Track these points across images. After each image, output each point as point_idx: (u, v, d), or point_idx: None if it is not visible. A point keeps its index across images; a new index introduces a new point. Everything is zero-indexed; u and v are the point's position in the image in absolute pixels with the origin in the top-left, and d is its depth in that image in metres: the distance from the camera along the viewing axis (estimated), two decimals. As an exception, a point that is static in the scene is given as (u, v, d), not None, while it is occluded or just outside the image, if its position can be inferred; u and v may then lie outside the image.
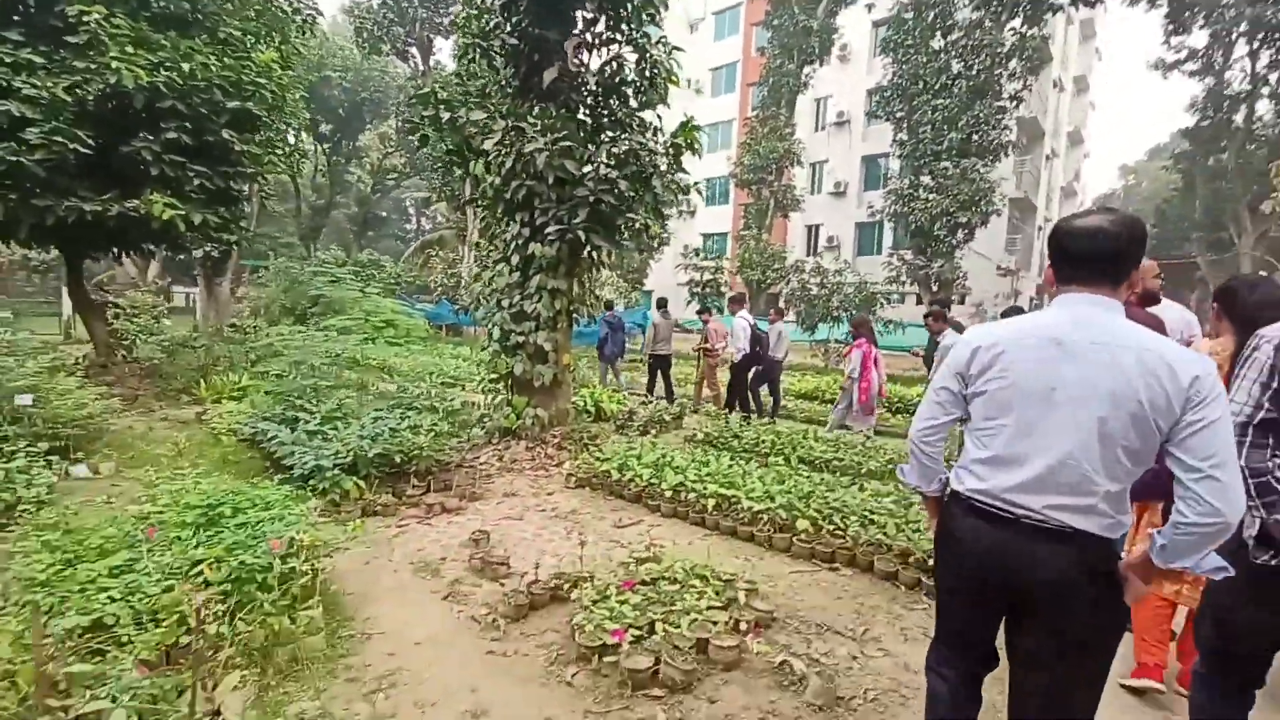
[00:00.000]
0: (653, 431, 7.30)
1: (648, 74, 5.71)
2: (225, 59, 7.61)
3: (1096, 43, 35.23)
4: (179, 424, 6.80)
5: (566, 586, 3.13)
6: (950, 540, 1.68)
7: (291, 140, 23.22)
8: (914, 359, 7.94)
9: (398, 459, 4.70)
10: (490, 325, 6.15)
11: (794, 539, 3.98)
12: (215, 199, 8.17)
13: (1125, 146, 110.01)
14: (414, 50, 21.07)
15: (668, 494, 4.64)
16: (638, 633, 2.66)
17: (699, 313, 9.64)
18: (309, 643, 2.57)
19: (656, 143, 5.77)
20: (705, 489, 4.50)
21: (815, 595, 3.42)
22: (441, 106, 5.57)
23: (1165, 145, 36.42)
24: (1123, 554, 1.54)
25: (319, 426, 4.92)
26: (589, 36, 5.55)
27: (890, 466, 5.63)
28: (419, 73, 20.57)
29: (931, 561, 3.48)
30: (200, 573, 2.49)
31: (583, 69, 5.52)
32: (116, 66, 6.39)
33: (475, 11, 5.60)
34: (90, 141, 6.65)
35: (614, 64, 5.70)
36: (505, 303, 6.00)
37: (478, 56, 5.77)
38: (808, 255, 25.73)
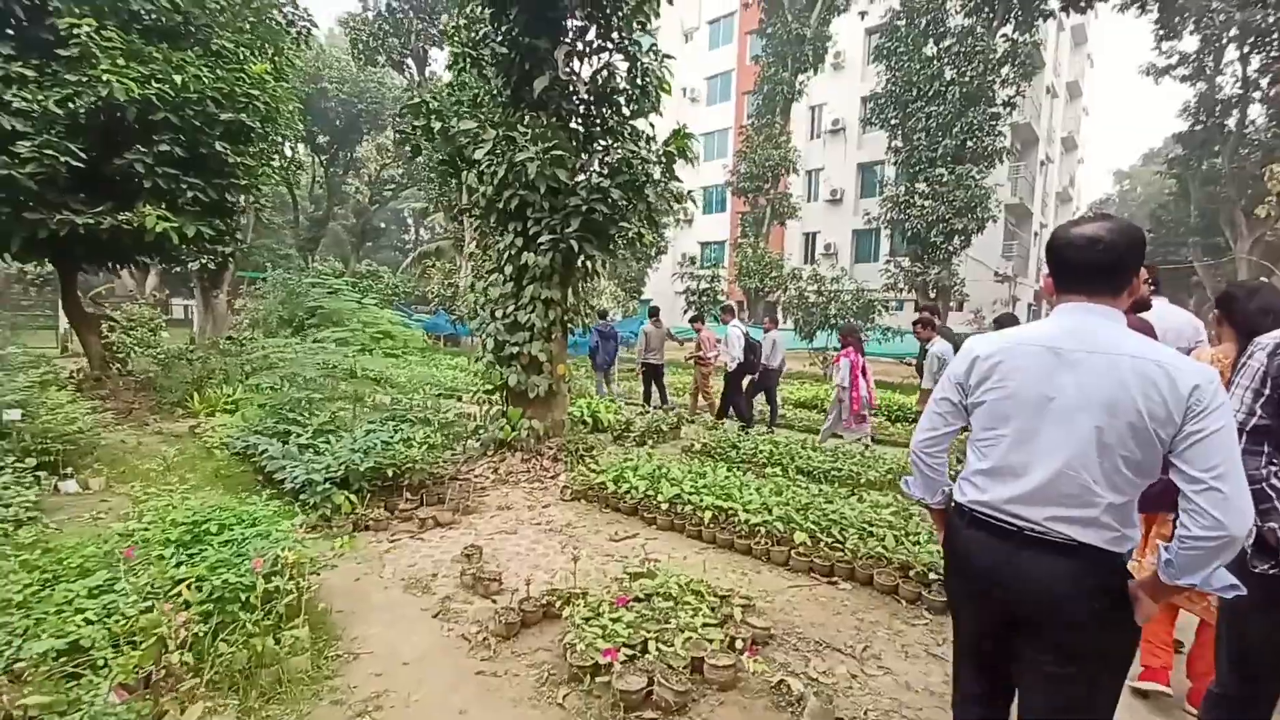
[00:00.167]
0: (649, 442, 7.24)
1: (639, 82, 5.70)
2: (218, 71, 7.61)
3: (1088, 49, 35.52)
4: (172, 438, 6.73)
5: (559, 603, 3.06)
6: (954, 553, 1.66)
7: (288, 152, 23.34)
8: (910, 366, 7.93)
9: (390, 472, 4.63)
10: (484, 336, 6.10)
11: (792, 552, 3.92)
12: (209, 211, 8.14)
13: (1119, 151, 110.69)
14: (409, 61, 21.16)
15: (664, 506, 4.58)
16: (630, 652, 2.59)
17: (691, 321, 9.62)
18: (293, 663, 2.51)
19: (649, 151, 5.75)
20: (702, 501, 4.44)
21: (814, 611, 3.36)
22: (433, 116, 5.55)
23: (1159, 150, 36.60)
24: (1130, 566, 1.49)
25: (310, 440, 4.87)
26: (580, 45, 5.54)
27: (890, 476, 5.57)
28: (415, 84, 20.66)
29: (933, 575, 3.47)
30: (181, 593, 2.42)
31: (574, 78, 5.51)
32: (108, 79, 6.38)
33: (465, 21, 5.59)
34: (82, 154, 6.64)
35: (605, 72, 5.69)
36: (499, 313, 5.96)
37: (468, 66, 5.76)
38: (805, 263, 25.76)
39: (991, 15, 16.40)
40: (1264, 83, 20.41)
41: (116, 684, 2.09)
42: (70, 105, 6.54)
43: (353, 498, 4.35)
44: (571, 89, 5.50)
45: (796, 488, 4.75)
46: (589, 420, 7.84)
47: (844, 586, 3.66)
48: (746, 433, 7.10)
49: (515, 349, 5.87)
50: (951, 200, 16.43)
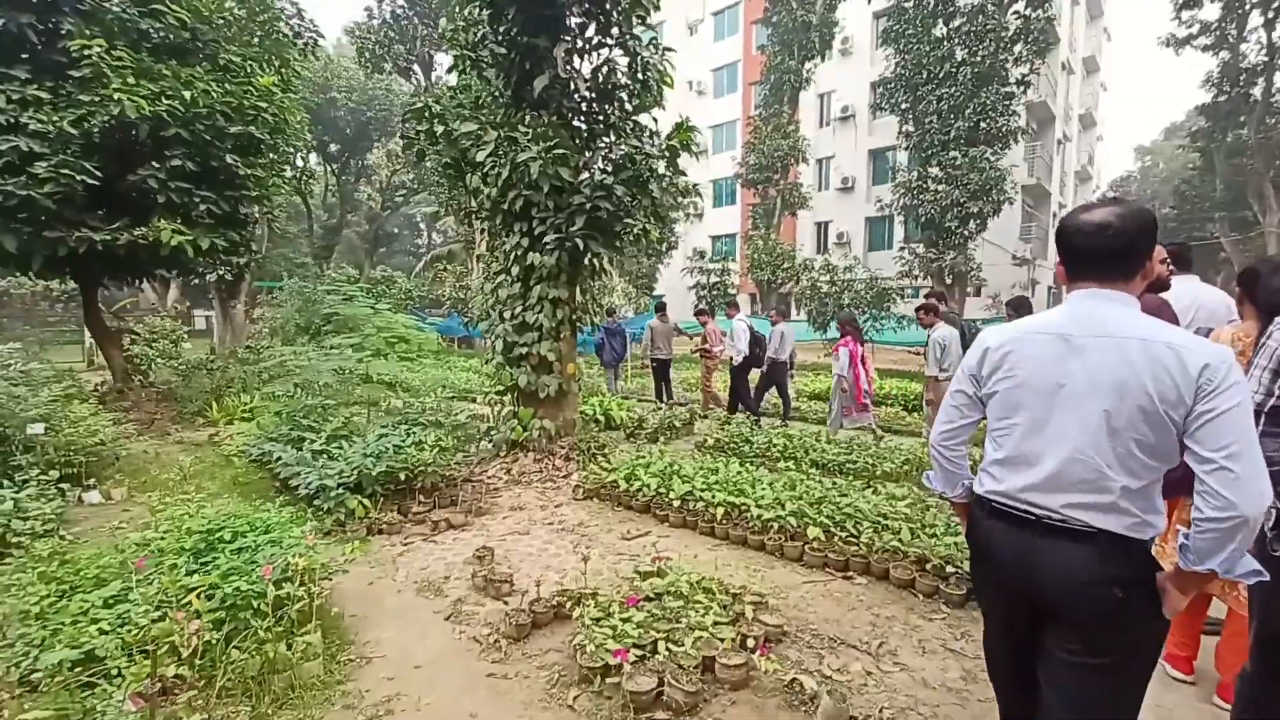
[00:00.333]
0: (662, 439, 7.21)
1: (640, 77, 5.65)
2: (226, 85, 7.72)
3: (1104, 22, 34.54)
4: (193, 446, 6.86)
5: (569, 604, 3.05)
6: (977, 545, 1.67)
7: (300, 162, 23.66)
8: (918, 355, 7.83)
9: (402, 476, 4.66)
10: (494, 337, 6.11)
11: (805, 547, 3.87)
12: (223, 223, 8.27)
13: (1140, 127, 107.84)
14: (416, 67, 21.29)
15: (676, 504, 4.55)
16: (640, 652, 2.57)
17: (697, 315, 9.61)
18: (306, 669, 2.53)
19: (653, 146, 5.70)
20: (714, 498, 4.40)
21: (828, 606, 3.31)
22: (436, 120, 5.56)
23: (1181, 124, 35.54)
24: (1154, 552, 1.45)
25: (324, 445, 4.92)
26: (579, 42, 5.51)
27: (906, 467, 5.48)
28: (422, 89, 20.79)
29: (950, 568, 3.40)
30: (202, 599, 2.45)
31: (574, 75, 5.47)
32: (119, 98, 6.49)
33: (463, 23, 5.58)
34: (97, 172, 6.78)
35: (605, 68, 5.65)
36: (507, 314, 5.96)
37: (468, 68, 5.75)
38: (817, 253, 25.49)
39: (1002, -8, 16.03)
40: (1291, 49, 19.69)
41: (132, 692, 2.13)
42: (84, 125, 6.68)
43: (366, 502, 4.39)
44: (572, 87, 5.47)
45: (810, 481, 4.69)
46: (601, 418, 7.84)
47: (859, 581, 3.61)
48: (758, 425, 7.04)
49: (524, 349, 5.87)
50: (965, 183, 16.11)
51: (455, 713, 2.43)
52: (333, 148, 27.38)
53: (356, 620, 3.13)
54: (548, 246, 5.57)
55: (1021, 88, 16.71)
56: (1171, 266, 3.09)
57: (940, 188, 16.46)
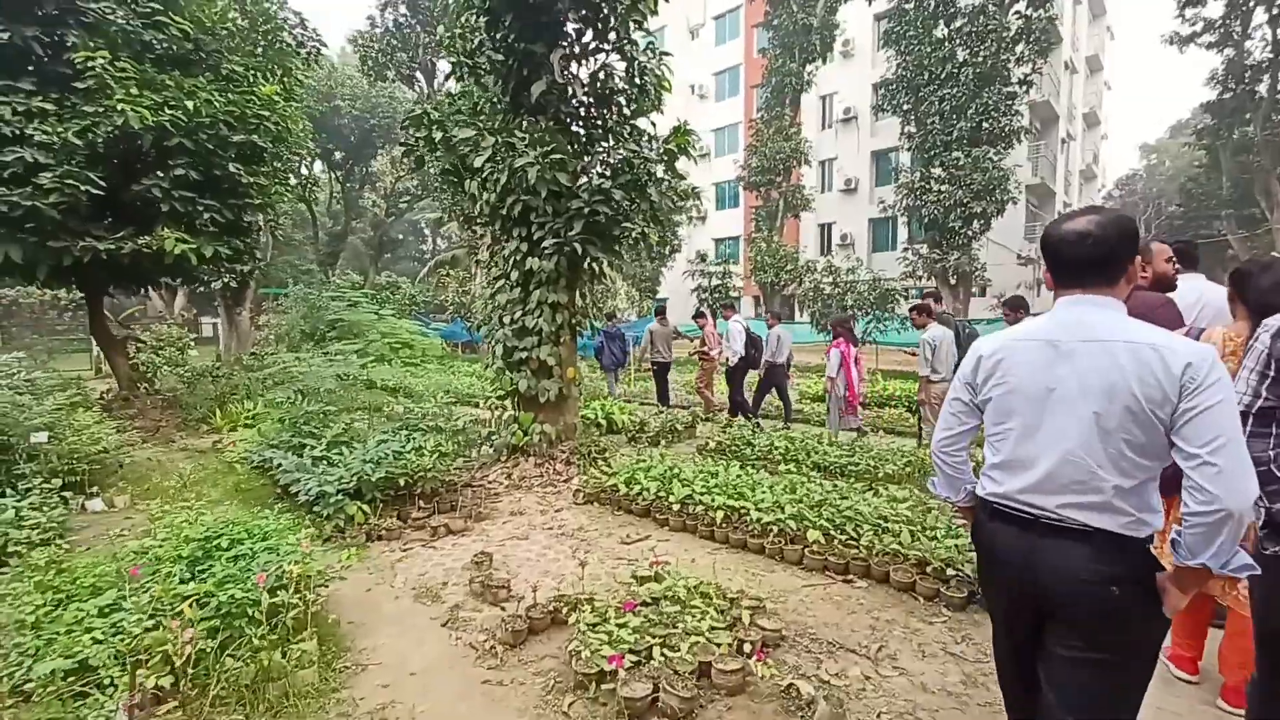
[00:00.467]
0: (663, 442, 7.20)
1: (638, 81, 5.65)
2: (229, 94, 7.79)
3: (1107, 21, 34.44)
4: (197, 453, 6.90)
5: (566, 609, 3.04)
6: (981, 546, 1.72)
7: (304, 170, 23.81)
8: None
9: (402, 482, 4.66)
10: (494, 342, 6.12)
11: (805, 550, 3.84)
12: (226, 231, 8.33)
13: (1145, 125, 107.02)
14: (419, 75, 21.42)
15: (676, 507, 4.53)
16: (636, 658, 2.56)
17: (695, 317, 9.64)
18: (301, 676, 2.52)
19: (651, 150, 5.70)
20: (713, 501, 4.38)
21: (827, 610, 3.28)
22: (434, 127, 5.58)
23: (1187, 121, 35.29)
24: (1152, 549, 1.47)
25: (324, 452, 4.93)
26: (575, 48, 5.52)
27: (908, 469, 5.45)
28: (425, 96, 20.92)
29: (950, 571, 3.37)
30: (194, 608, 2.45)
31: (572, 80, 5.48)
32: (123, 109, 6.56)
33: (460, 30, 5.61)
34: (102, 182, 6.84)
35: (603, 73, 5.65)
36: (507, 319, 5.97)
37: (465, 75, 5.78)
38: (821, 254, 25.45)
39: (1003, -8, 15.98)
40: (1297, 45, 19.53)
41: (126, 703, 2.13)
42: (89, 136, 6.74)
43: (365, 508, 4.39)
44: (570, 92, 5.48)
45: (811, 484, 4.65)
46: (603, 422, 7.83)
47: (859, 584, 3.57)
48: (757, 428, 7.03)
49: (524, 354, 5.87)
50: (969, 184, 16.05)
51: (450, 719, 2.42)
52: (337, 155, 27.55)
53: (354, 627, 3.13)
54: (546, 251, 5.58)
55: (1024, 87, 16.64)
56: (1177, 265, 3.06)
57: (943, 188, 16.40)
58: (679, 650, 2.59)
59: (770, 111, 21.78)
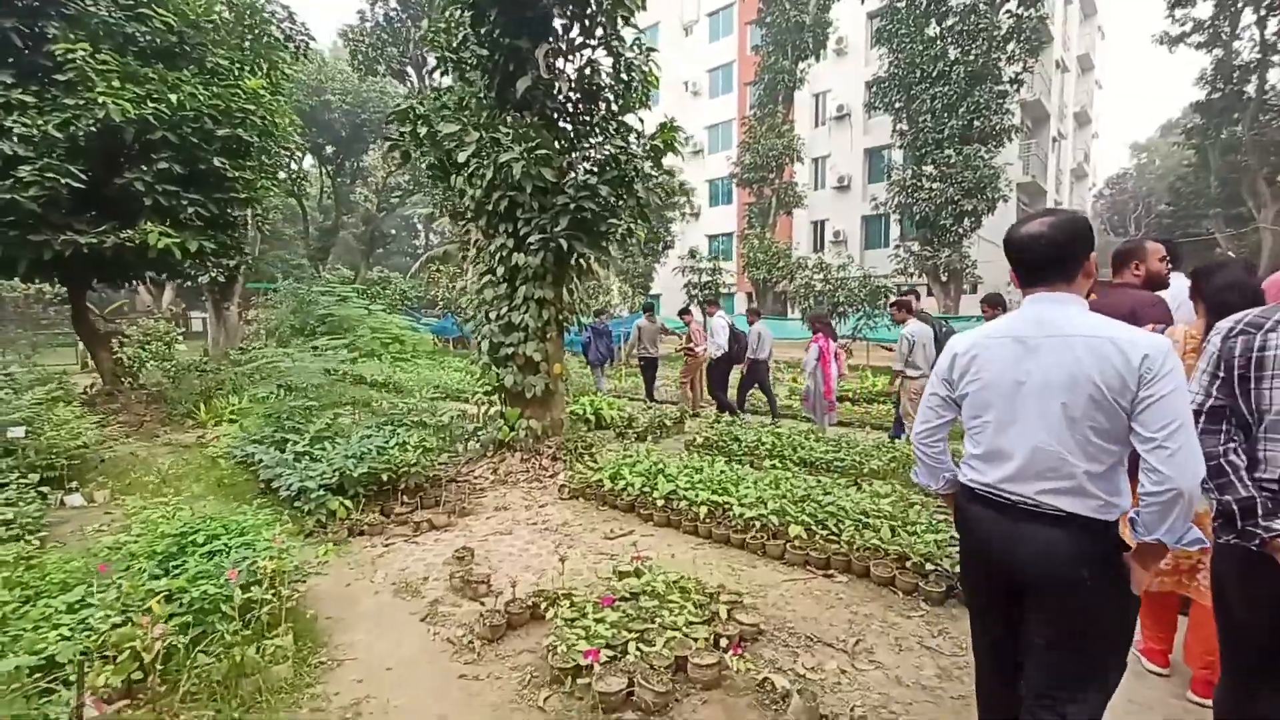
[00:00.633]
0: (650, 438, 7.20)
1: (624, 77, 5.63)
2: (213, 88, 7.70)
3: (1098, 20, 34.59)
4: (181, 448, 6.84)
5: (545, 604, 3.03)
6: (963, 528, 1.81)
7: (294, 165, 23.60)
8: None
9: (385, 477, 4.63)
10: (480, 337, 6.10)
11: (787, 545, 3.85)
12: (211, 225, 8.26)
13: (1136, 124, 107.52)
14: (410, 70, 21.27)
15: (660, 503, 4.53)
16: (612, 653, 2.55)
17: (680, 314, 9.69)
18: (275, 672, 2.51)
19: (638, 146, 5.68)
20: (697, 496, 4.38)
21: (807, 605, 3.29)
22: (419, 122, 5.54)
23: (1177, 121, 35.55)
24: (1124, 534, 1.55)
25: (307, 447, 4.89)
26: (561, 44, 5.49)
27: (893, 465, 5.47)
28: (416, 91, 20.78)
29: (930, 566, 3.38)
30: (162, 604, 2.43)
31: (558, 76, 5.45)
32: (104, 101, 6.47)
33: (444, 25, 5.56)
34: (83, 176, 6.75)
35: (589, 69, 5.63)
36: (493, 314, 5.94)
37: (450, 69, 5.74)
38: (814, 251, 25.48)
39: (995, -10, 16.04)
40: (1284, 45, 19.69)
41: (95, 698, 2.11)
42: (70, 128, 6.65)
43: (348, 503, 4.37)
44: (556, 88, 5.45)
45: (794, 480, 4.67)
46: (592, 418, 7.82)
47: (840, 579, 3.59)
48: (742, 423, 7.07)
49: (510, 349, 5.85)
50: (960, 181, 16.13)
51: (424, 715, 2.42)
52: (328, 150, 27.35)
53: (331, 622, 3.11)
54: (532, 247, 5.56)
55: (1015, 86, 16.73)
56: (1170, 265, 3.10)
57: (935, 186, 16.47)
58: (655, 645, 2.60)
59: (763, 108, 21.78)
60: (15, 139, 6.47)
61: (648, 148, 5.56)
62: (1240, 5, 20.12)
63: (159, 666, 2.21)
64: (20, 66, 6.94)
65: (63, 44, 6.56)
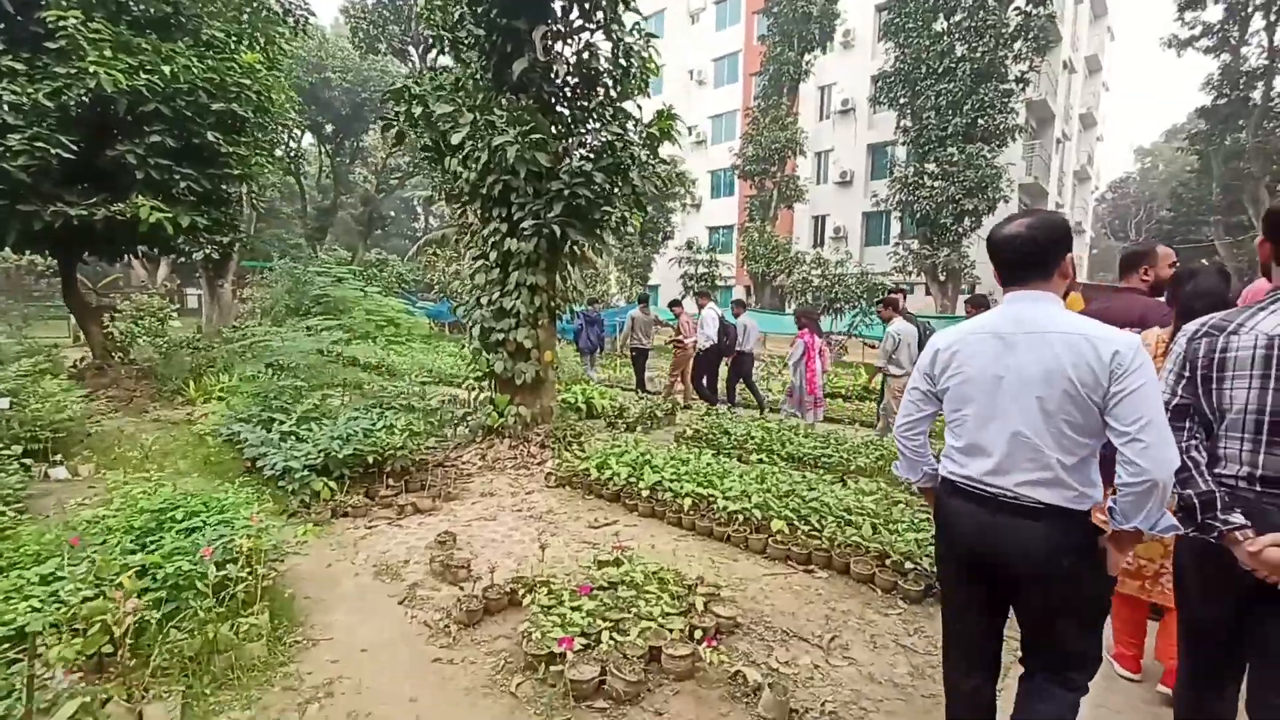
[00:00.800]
0: (641, 428, 7.20)
1: (622, 63, 5.56)
2: (208, 61, 7.58)
3: (1108, 21, 34.33)
4: (170, 425, 6.81)
5: (523, 591, 3.04)
6: (942, 521, 1.85)
7: (292, 143, 23.36)
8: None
9: (371, 459, 4.63)
10: (471, 323, 6.07)
11: (769, 540, 3.86)
12: (204, 201, 8.16)
13: (1141, 128, 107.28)
14: (411, 49, 21.02)
15: (645, 493, 4.54)
16: (586, 641, 2.56)
17: (670, 305, 9.70)
18: (249, 650, 2.51)
19: (634, 133, 5.63)
20: (682, 488, 4.39)
21: (785, 599, 3.30)
22: (414, 102, 5.47)
23: (1182, 126, 35.43)
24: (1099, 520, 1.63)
25: (293, 427, 4.88)
26: (559, 26, 5.41)
27: (880, 463, 5.48)
28: (417, 71, 20.56)
29: (909, 564, 3.40)
30: (133, 579, 2.42)
31: (555, 59, 5.38)
32: (95, 71, 6.37)
33: (440, 2, 5.47)
34: (74, 146, 6.65)
35: (587, 53, 5.55)
36: (485, 300, 5.91)
37: (446, 49, 5.66)
38: (814, 246, 25.40)
39: (1004, -12, 15.88)
40: (1292, 53, 19.59)
41: (65, 668, 2.11)
42: (61, 98, 6.54)
43: (332, 485, 4.36)
44: (553, 71, 5.38)
45: (780, 475, 4.67)
46: (583, 407, 7.81)
47: (820, 575, 3.60)
48: (731, 414, 7.09)
49: (501, 335, 5.83)
50: (962, 180, 16.06)
51: (396, 697, 2.42)
52: (327, 128, 27.08)
53: (310, 602, 3.11)
54: (526, 232, 5.52)
55: (1021, 85, 16.62)
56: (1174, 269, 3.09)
57: (936, 184, 16.40)
58: (629, 635, 2.60)
59: (767, 100, 21.62)
60: (5, 107, 6.37)
61: (644, 136, 5.50)
62: (1250, 10, 19.99)
63: (129, 641, 2.20)
64: (10, 33, 6.82)
65: (54, 10, 6.44)
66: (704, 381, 8.72)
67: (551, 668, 2.49)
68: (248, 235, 15.35)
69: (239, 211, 11.14)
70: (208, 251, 12.81)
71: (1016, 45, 16.12)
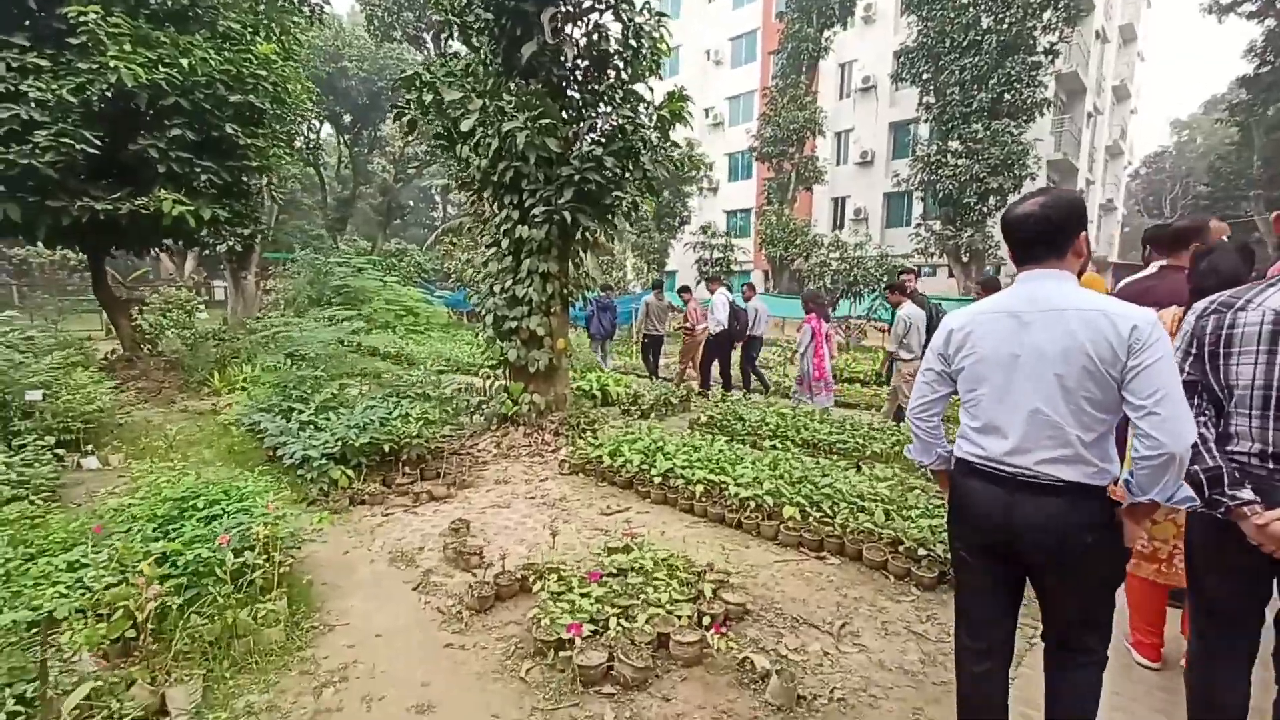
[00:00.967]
0: (655, 415, 7.20)
1: (632, 44, 5.47)
2: (225, 53, 7.65)
3: (1146, -12, 32.83)
4: (196, 415, 7.00)
5: (533, 578, 3.07)
6: (958, 503, 1.83)
7: (310, 134, 23.56)
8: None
9: (387, 448, 4.69)
10: (484, 311, 6.09)
11: (781, 526, 3.84)
12: (225, 193, 8.30)
13: (1179, 100, 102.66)
14: (426, 36, 20.98)
15: (657, 480, 4.54)
16: (595, 627, 2.58)
17: (680, 291, 9.65)
18: (267, 635, 2.58)
19: (645, 116, 5.55)
20: (694, 475, 4.38)
21: (796, 586, 3.29)
22: (426, 89, 5.46)
23: (1222, 96, 33.87)
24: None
25: (312, 416, 4.97)
26: (568, 7, 5.33)
27: (896, 449, 5.41)
28: (431, 58, 20.54)
29: (922, 551, 3.35)
30: (155, 566, 2.50)
31: (565, 42, 5.31)
32: (115, 65, 6.47)
33: (448, -14, 5.43)
34: (98, 141, 6.79)
35: (597, 34, 5.47)
36: (498, 288, 5.93)
37: (455, 33, 5.62)
38: (834, 229, 24.97)
39: (1033, -45, 15.24)
40: (1344, 16, 18.55)
41: (92, 652, 2.19)
42: (84, 93, 6.66)
43: (349, 473, 4.44)
44: (563, 54, 5.32)
45: (793, 461, 4.63)
46: (597, 394, 7.83)
47: (832, 561, 3.58)
48: (747, 398, 7.08)
49: (514, 323, 5.85)
50: (986, 158, 15.61)
51: (409, 681, 2.47)
52: (345, 118, 27.24)
53: (327, 588, 3.19)
54: (537, 219, 5.50)
55: (1050, 57, 16.03)
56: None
57: (960, 162, 15.96)
58: (637, 621, 2.61)
59: (785, 79, 21.18)
60: (31, 103, 6.52)
61: (655, 118, 5.42)
62: (1299, -29, 18.93)
63: (151, 626, 2.27)
64: (35, 30, 6.95)
65: (75, 6, 6.54)
66: (714, 366, 8.70)
67: (560, 654, 2.51)
68: (269, 227, 15.61)
69: (260, 203, 11.29)
70: (230, 244, 13.05)
71: (1046, 15, 15.51)
